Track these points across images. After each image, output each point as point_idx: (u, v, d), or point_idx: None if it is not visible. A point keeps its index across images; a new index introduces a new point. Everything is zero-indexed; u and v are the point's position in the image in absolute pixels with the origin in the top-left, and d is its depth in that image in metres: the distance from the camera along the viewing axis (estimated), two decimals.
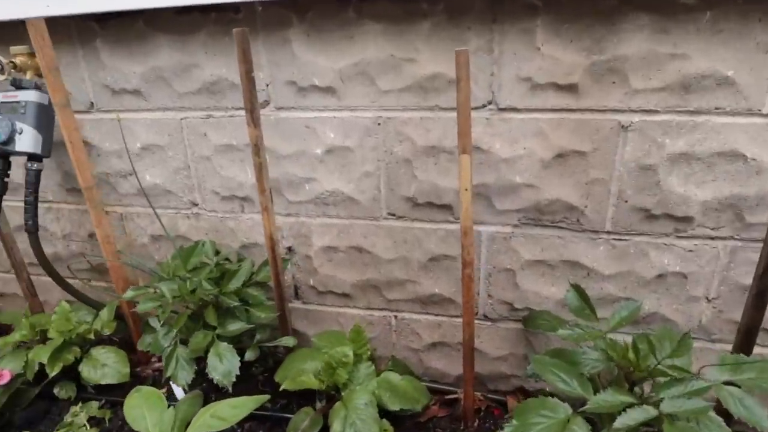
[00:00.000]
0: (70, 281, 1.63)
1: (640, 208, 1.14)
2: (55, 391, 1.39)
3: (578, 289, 1.10)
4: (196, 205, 1.48)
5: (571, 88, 1.08)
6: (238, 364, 1.16)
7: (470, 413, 1.31)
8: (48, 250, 1.70)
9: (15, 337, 1.37)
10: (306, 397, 1.38)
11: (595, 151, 1.12)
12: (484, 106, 1.14)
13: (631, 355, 0.91)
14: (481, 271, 1.31)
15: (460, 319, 1.38)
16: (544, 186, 1.18)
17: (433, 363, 1.47)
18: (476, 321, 1.34)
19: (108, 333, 1.43)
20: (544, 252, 1.25)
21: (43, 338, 1.39)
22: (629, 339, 0.97)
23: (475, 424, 1.33)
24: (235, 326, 1.21)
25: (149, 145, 1.43)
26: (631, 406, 0.83)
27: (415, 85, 1.16)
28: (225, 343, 1.19)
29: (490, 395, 1.43)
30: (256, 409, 1.31)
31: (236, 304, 1.22)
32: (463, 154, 1.03)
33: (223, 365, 1.14)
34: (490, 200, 1.23)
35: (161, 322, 1.26)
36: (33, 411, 1.37)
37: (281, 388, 1.11)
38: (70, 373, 1.40)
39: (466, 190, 1.06)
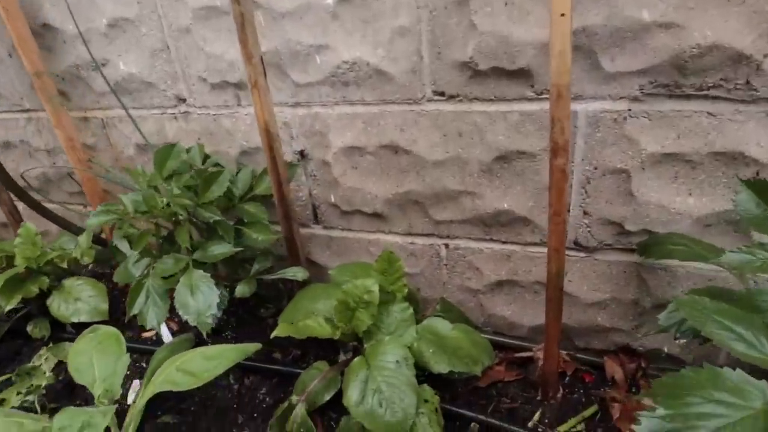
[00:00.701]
0: (54, 207, 1.39)
1: None
2: (29, 328, 1.16)
3: (759, 187, 0.64)
4: (183, 101, 1.13)
5: None
6: (217, 299, 0.82)
7: (552, 378, 0.92)
8: (36, 170, 1.46)
9: None
10: (326, 347, 1.05)
11: None
12: None
13: None
14: (574, 176, 0.87)
15: (538, 248, 0.97)
16: (691, 24, 0.70)
17: (498, 309, 1.07)
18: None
19: (88, 262, 1.15)
20: (681, 140, 0.78)
21: (10, 266, 1.14)
22: None
23: (559, 395, 0.94)
24: (218, 249, 0.87)
25: (117, 20, 1.09)
26: None
27: None
28: (200, 272, 0.85)
29: (579, 355, 1.02)
30: (264, 361, 1.01)
31: (217, 218, 0.87)
32: None
33: (195, 301, 0.81)
34: (594, 57, 0.77)
35: (130, 246, 0.95)
36: (2, 350, 1.15)
37: (272, 335, 0.77)
38: (45, 308, 1.16)
39: (563, 15, 0.62)
